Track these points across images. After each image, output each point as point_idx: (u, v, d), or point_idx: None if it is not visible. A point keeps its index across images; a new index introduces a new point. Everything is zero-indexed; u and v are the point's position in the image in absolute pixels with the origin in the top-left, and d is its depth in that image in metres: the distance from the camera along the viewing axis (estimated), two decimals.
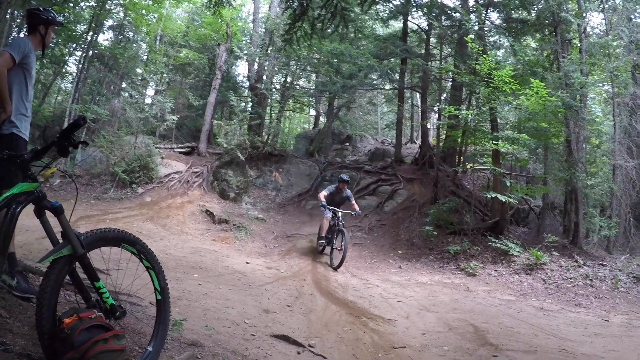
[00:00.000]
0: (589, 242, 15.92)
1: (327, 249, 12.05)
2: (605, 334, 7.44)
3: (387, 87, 24.68)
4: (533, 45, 19.95)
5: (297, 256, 11.99)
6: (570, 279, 11.51)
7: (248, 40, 23.85)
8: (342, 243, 10.95)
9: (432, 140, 22.21)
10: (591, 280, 11.45)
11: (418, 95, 24.21)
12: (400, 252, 13.71)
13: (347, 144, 26.39)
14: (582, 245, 14.67)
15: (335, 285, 8.75)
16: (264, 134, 21.04)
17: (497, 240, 13.01)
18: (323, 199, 11.97)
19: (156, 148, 17.25)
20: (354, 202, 12.59)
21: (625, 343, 6.76)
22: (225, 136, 17.98)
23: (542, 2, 16.18)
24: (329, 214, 11.92)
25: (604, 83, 19.73)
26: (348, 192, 12.64)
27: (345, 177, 12.75)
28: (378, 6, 19.71)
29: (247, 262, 10.19)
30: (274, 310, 6.12)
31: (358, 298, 7.87)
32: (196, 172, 17.68)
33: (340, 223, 11.52)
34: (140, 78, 21.17)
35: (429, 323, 6.72)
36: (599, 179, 16.71)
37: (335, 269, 10.73)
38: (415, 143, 27.07)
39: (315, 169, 19.99)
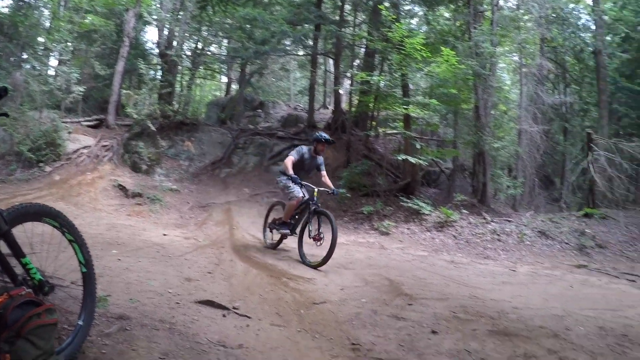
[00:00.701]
0: (497, 201, 16.88)
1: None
2: (512, 282, 7.99)
3: (301, 53, 24.66)
4: (447, 15, 20.47)
5: (214, 225, 11.93)
6: (479, 234, 12.23)
7: (158, 5, 22.91)
8: (321, 230, 8.31)
9: (344, 105, 22.45)
10: (499, 235, 12.21)
11: (331, 61, 24.29)
12: None
13: (260, 110, 26.29)
14: (490, 204, 15.53)
15: (254, 251, 8.81)
16: (174, 102, 20.59)
17: (408, 201, 13.59)
18: (290, 168, 8.44)
19: (62, 122, 16.27)
20: (324, 172, 9.27)
21: (530, 289, 7.28)
22: (135, 106, 17.48)
23: None
24: (300, 193, 8.54)
25: (514, 54, 20.83)
26: (321, 158, 9.23)
27: (325, 136, 9.08)
28: None
29: (164, 234, 10.00)
30: (196, 278, 6.10)
31: (277, 261, 8.01)
32: (106, 146, 16.98)
33: (315, 204, 8.54)
34: (42, 48, 20.01)
35: (346, 280, 6.96)
36: (505, 142, 17.63)
37: (317, 267, 7.77)
38: (328, 108, 27.24)
39: (227, 136, 19.83)
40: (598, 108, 19.24)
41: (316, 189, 8.54)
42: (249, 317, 4.66)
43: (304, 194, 8.59)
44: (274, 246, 9.26)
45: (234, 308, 4.87)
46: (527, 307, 5.87)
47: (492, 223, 13.00)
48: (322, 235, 8.23)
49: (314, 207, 8.45)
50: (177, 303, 4.84)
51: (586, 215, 13.79)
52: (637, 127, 19.22)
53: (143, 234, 9.74)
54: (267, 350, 3.86)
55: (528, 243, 11.99)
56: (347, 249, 10.04)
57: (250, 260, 7.93)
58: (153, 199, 13.73)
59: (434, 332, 4.65)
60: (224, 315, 4.65)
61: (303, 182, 8.61)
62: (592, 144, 15.36)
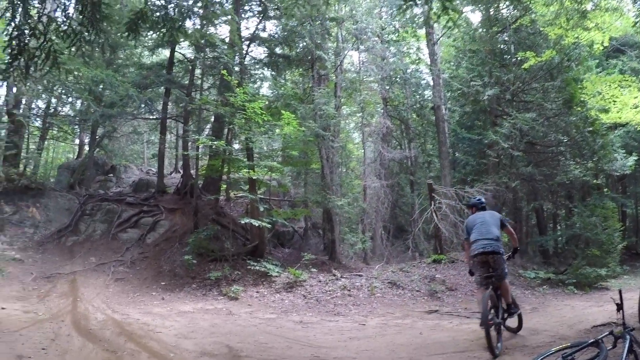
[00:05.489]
0: (348, 256, 17.41)
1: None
2: (360, 337, 8.28)
3: (150, 116, 24.36)
4: (296, 78, 21.31)
5: (57, 297, 11.23)
6: (329, 291, 12.58)
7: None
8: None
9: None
10: (349, 290, 12.65)
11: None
12: (163, 283, 13.63)
13: (111, 174, 25.36)
14: (341, 260, 16.07)
15: (94, 324, 8.48)
16: (20, 165, 19.55)
17: (256, 264, 13.71)
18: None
19: None
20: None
21: (378, 342, 7.55)
22: None
23: (303, 41, 17.49)
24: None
25: (358, 113, 22.07)
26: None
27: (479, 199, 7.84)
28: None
29: (2, 308, 9.41)
30: (28, 355, 5.86)
31: (116, 335, 7.74)
32: None
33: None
34: None
35: (185, 350, 6.89)
36: (349, 199, 18.41)
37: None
38: (180, 173, 27.00)
39: (75, 202, 18.74)
40: (440, 159, 20.60)
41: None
42: None
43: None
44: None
45: None
46: None
47: (342, 279, 13.49)
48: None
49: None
50: None
51: (435, 261, 14.78)
52: (478, 173, 20.23)
53: None
54: None
55: (379, 295, 12.56)
56: (191, 318, 9.89)
57: (89, 334, 7.62)
58: None
59: None
60: None
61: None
62: (433, 194, 16.51)
